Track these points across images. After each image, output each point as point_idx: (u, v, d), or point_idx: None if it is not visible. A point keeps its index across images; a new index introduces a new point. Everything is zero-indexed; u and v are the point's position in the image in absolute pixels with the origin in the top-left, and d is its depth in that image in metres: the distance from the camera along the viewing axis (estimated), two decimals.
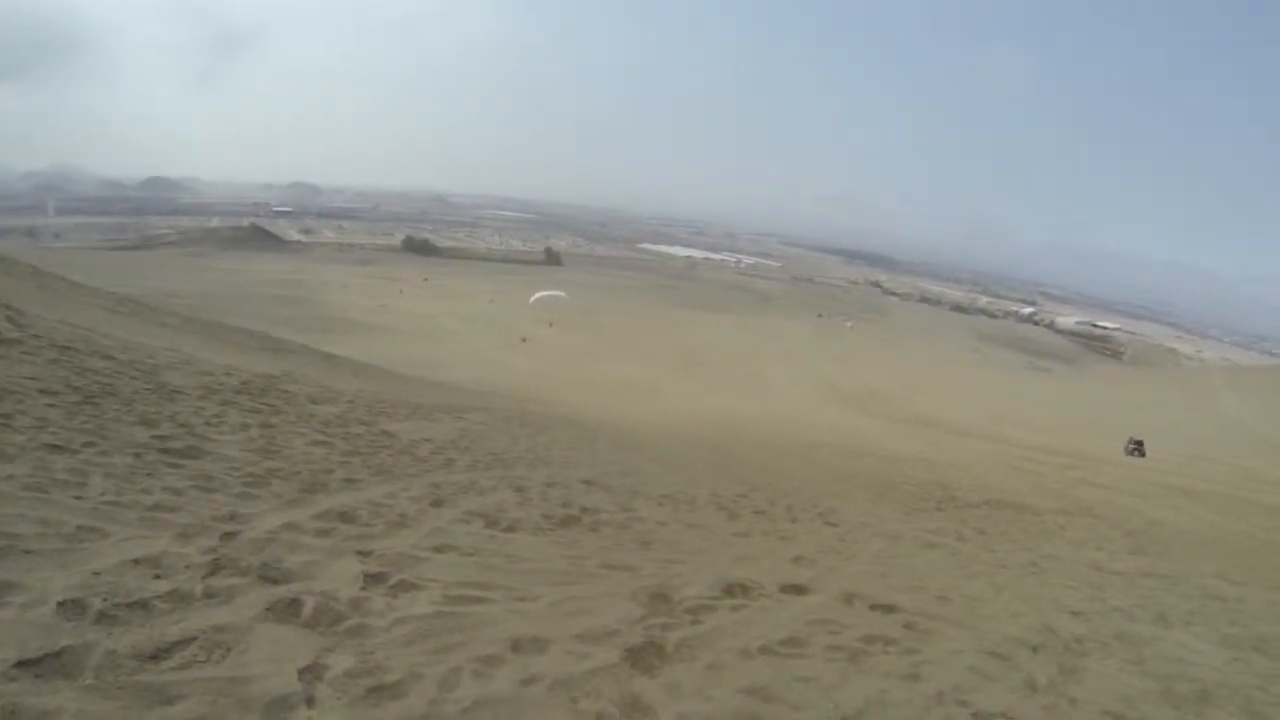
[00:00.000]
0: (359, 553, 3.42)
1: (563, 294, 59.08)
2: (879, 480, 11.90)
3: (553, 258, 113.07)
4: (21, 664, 1.97)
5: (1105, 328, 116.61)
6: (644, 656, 2.86)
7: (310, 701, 2.14)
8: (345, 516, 3.98)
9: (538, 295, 56.80)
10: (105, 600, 2.39)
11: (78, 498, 3.24)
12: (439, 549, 3.76)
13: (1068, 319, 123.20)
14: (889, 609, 3.98)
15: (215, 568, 2.87)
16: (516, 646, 2.75)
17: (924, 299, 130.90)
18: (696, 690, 2.66)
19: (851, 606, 3.98)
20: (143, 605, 2.44)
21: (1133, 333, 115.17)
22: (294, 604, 2.70)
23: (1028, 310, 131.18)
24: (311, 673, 2.28)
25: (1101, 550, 7.97)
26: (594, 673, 2.65)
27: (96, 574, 2.57)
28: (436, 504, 4.82)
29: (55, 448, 3.84)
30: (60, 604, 2.30)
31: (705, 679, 2.76)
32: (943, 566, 5.83)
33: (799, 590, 4.13)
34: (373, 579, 3.11)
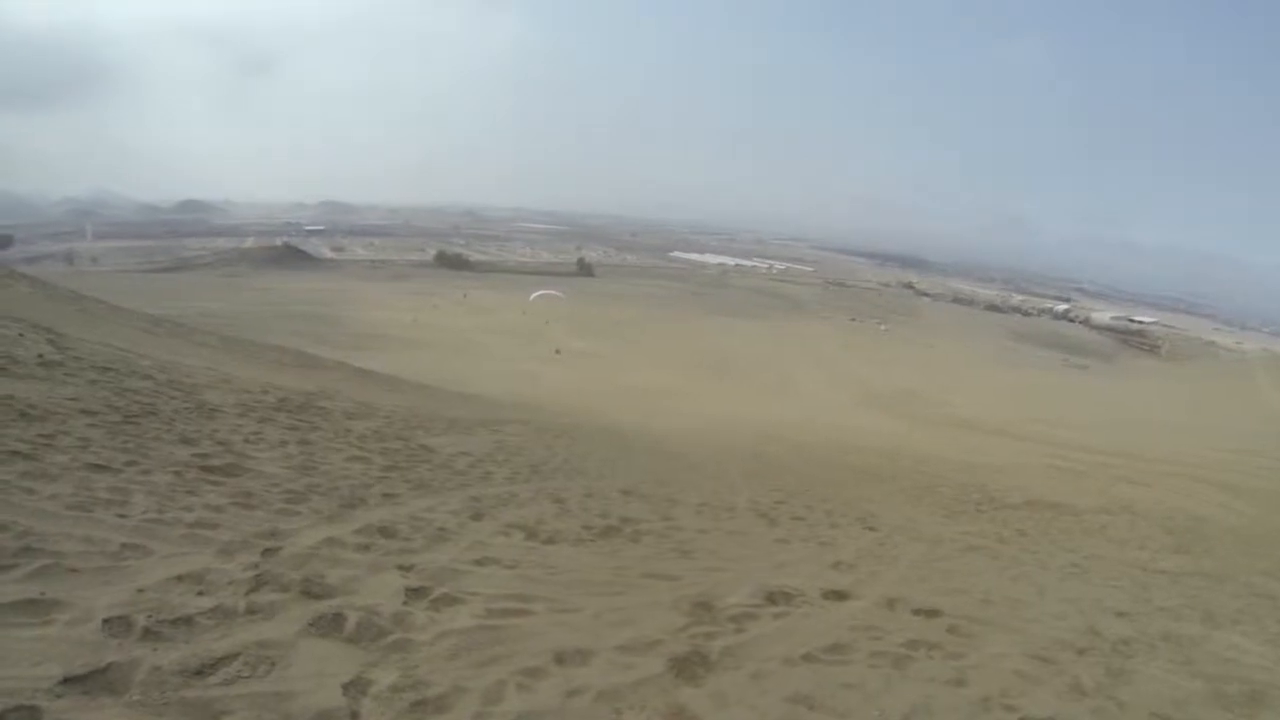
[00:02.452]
0: (400, 567, 3.45)
1: (559, 293, 61.70)
2: (917, 483, 11.78)
3: (585, 268, 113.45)
4: (68, 680, 2.01)
5: (1141, 322, 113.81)
6: (688, 666, 2.85)
7: (355, 716, 2.16)
8: (385, 531, 4.02)
9: (537, 294, 59.62)
10: (150, 617, 2.44)
11: (121, 516, 3.31)
12: (480, 562, 3.79)
13: (1103, 314, 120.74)
14: (932, 613, 3.93)
15: (257, 583, 2.91)
16: (560, 658, 2.74)
17: (956, 299, 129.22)
18: (741, 699, 2.64)
19: (894, 611, 3.94)
20: (187, 622, 2.48)
21: (1170, 326, 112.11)
22: (336, 619, 2.72)
23: (1062, 307, 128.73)
24: (356, 688, 2.29)
25: (1144, 549, 7.82)
26: (639, 683, 2.64)
27: (141, 591, 2.62)
28: (476, 517, 4.85)
29: (98, 467, 3.94)
30: (106, 621, 2.35)
31: (750, 688, 2.74)
32: (984, 569, 5.77)
33: (841, 596, 4.10)
34: (414, 593, 3.13)
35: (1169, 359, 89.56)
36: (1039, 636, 3.76)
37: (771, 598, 3.87)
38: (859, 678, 2.94)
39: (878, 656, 3.20)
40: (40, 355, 6.60)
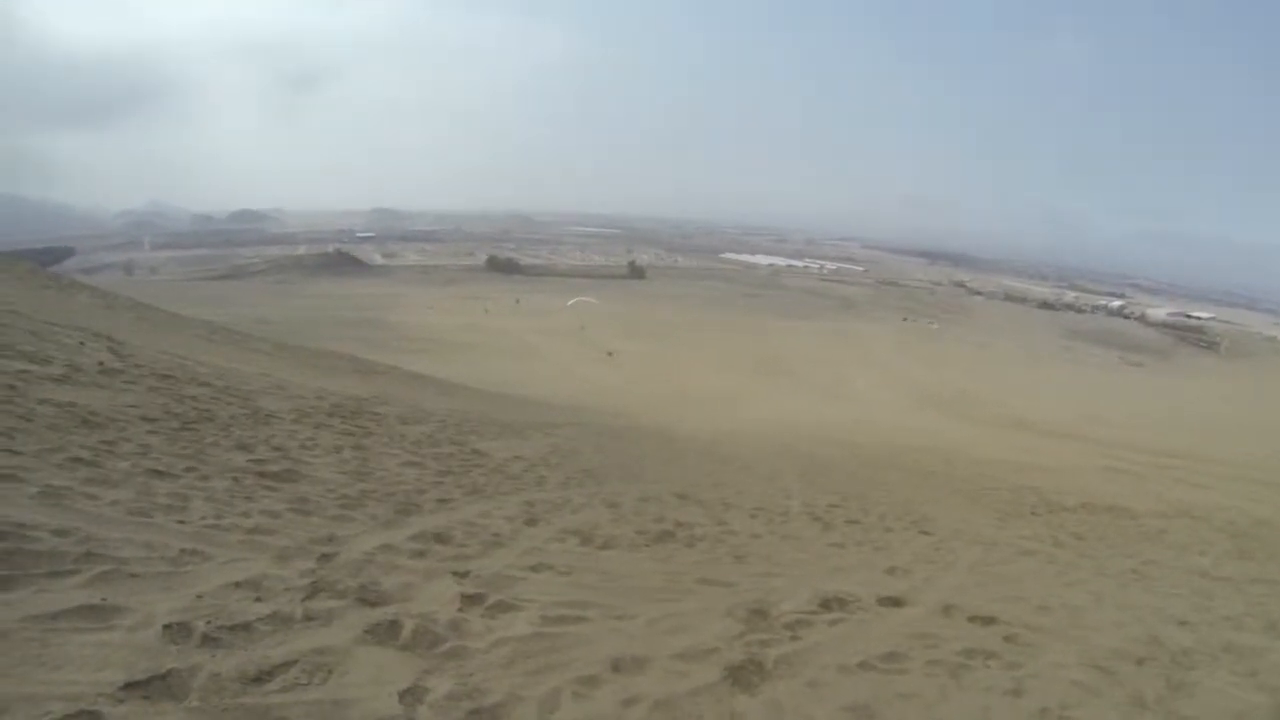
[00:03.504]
0: (455, 573, 3.47)
1: (593, 300, 64.03)
2: (972, 485, 11.58)
3: (636, 271, 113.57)
4: (129, 686, 2.05)
5: (1198, 318, 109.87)
6: (744, 674, 2.83)
7: None
8: (440, 537, 4.06)
9: (573, 300, 62.42)
10: (209, 623, 2.48)
11: (180, 521, 3.39)
12: (535, 568, 3.79)
13: (1159, 310, 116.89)
14: (988, 621, 3.85)
15: (314, 590, 2.95)
16: (616, 666, 2.74)
17: (1009, 297, 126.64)
18: (798, 708, 2.62)
19: (950, 619, 3.87)
20: (245, 628, 2.52)
21: (1228, 321, 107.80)
22: (393, 626, 2.74)
23: (1117, 303, 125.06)
24: (413, 695, 2.30)
25: (1205, 555, 7.51)
26: (695, 692, 2.63)
27: (200, 597, 2.67)
28: (531, 522, 4.87)
29: (157, 473, 4.05)
30: (166, 627, 2.40)
31: (806, 697, 2.72)
32: (1041, 575, 5.64)
33: (896, 603, 4.04)
34: (470, 600, 3.15)
35: (1228, 356, 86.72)
36: (1097, 645, 3.66)
37: (827, 604, 3.83)
38: (916, 687, 2.91)
39: (934, 665, 3.15)
40: (101, 363, 6.82)
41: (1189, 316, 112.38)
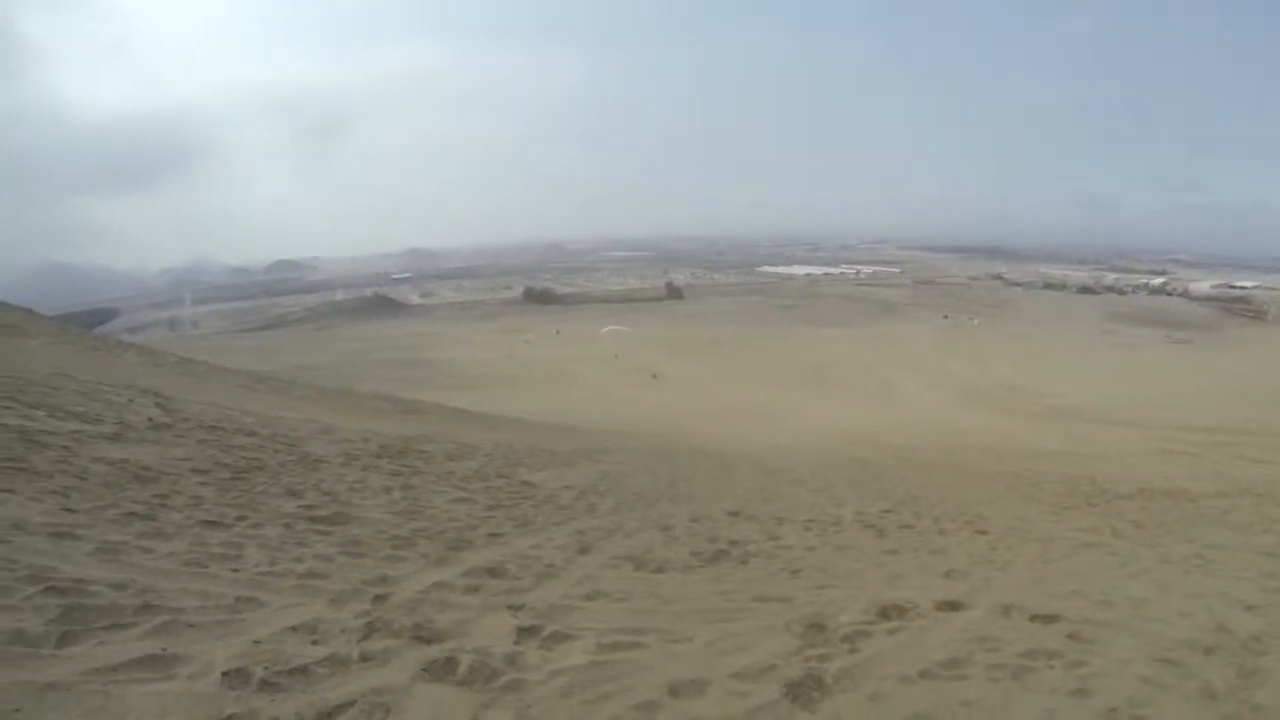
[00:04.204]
0: (510, 607, 3.47)
1: (626, 329, 65.96)
2: (1024, 480, 11.40)
3: (674, 292, 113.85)
4: None
5: (1244, 288, 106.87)
6: (804, 690, 2.78)
7: None
8: (493, 571, 4.07)
9: (606, 329, 64.15)
10: (266, 668, 2.51)
11: (234, 570, 3.45)
12: (589, 596, 3.78)
13: (1201, 284, 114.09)
14: (1049, 619, 3.75)
15: (370, 630, 2.97)
16: (675, 690, 2.71)
17: (1048, 285, 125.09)
18: None
19: (1010, 619, 3.78)
20: (303, 671, 2.55)
21: (1274, 289, 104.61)
22: (449, 663, 2.75)
23: (1158, 281, 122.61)
24: None
25: (1270, 534, 7.25)
26: (755, 711, 2.59)
27: (257, 643, 2.71)
28: (583, 550, 4.87)
29: (210, 523, 4.13)
30: (224, 674, 2.43)
31: (867, 710, 2.67)
32: (1101, 567, 5.50)
33: (954, 606, 3.95)
34: (525, 632, 3.14)
35: (1276, 323, 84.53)
36: (1163, 637, 3.55)
37: (884, 613, 3.76)
38: (978, 693, 2.83)
39: (996, 669, 3.07)
40: (150, 419, 7.00)
41: (1233, 287, 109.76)
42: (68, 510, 3.82)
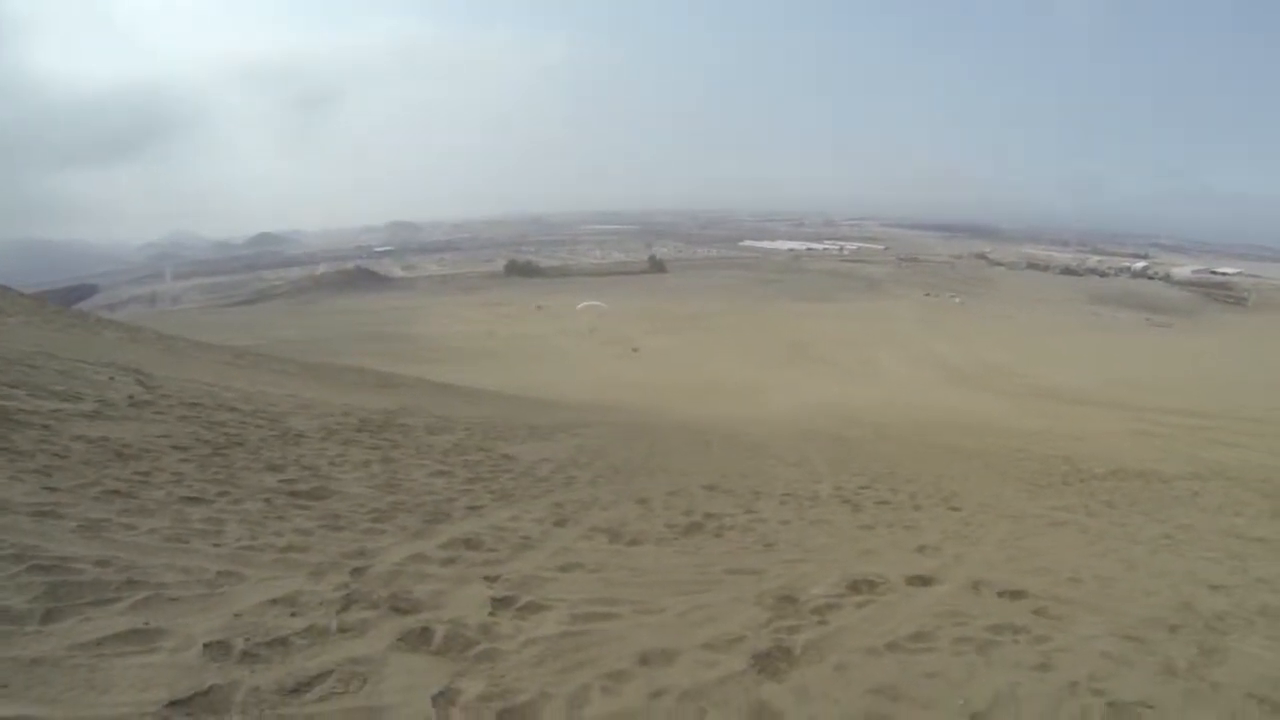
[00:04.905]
0: (486, 578, 3.56)
1: (603, 304, 64.28)
2: (1001, 459, 11.61)
3: (656, 265, 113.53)
4: (173, 704, 2.16)
5: (1225, 274, 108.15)
6: (771, 661, 2.88)
7: None
8: (470, 543, 4.16)
9: (583, 304, 62.96)
10: (247, 640, 2.58)
11: (215, 545, 3.51)
12: (565, 568, 3.88)
13: (1183, 269, 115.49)
14: (1017, 595, 3.89)
15: (347, 602, 3.05)
16: (645, 660, 2.80)
17: (1031, 265, 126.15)
18: (824, 693, 2.66)
19: (979, 595, 3.90)
20: (282, 643, 2.62)
21: (1255, 275, 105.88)
22: (425, 633, 2.83)
23: (1140, 265, 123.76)
24: (445, 699, 2.38)
25: (1239, 516, 7.47)
26: (722, 681, 2.68)
27: (237, 616, 2.78)
28: (560, 523, 4.96)
29: (191, 499, 4.18)
30: (206, 646, 2.50)
31: (833, 681, 2.76)
32: (1071, 545, 5.67)
33: (925, 581, 4.07)
34: (500, 603, 3.24)
35: (1256, 309, 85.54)
36: (1129, 615, 3.67)
37: (855, 587, 3.88)
38: (943, 666, 2.93)
39: (962, 643, 3.18)
40: (131, 396, 7.00)
41: (1214, 273, 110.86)
42: (49, 489, 3.85)
